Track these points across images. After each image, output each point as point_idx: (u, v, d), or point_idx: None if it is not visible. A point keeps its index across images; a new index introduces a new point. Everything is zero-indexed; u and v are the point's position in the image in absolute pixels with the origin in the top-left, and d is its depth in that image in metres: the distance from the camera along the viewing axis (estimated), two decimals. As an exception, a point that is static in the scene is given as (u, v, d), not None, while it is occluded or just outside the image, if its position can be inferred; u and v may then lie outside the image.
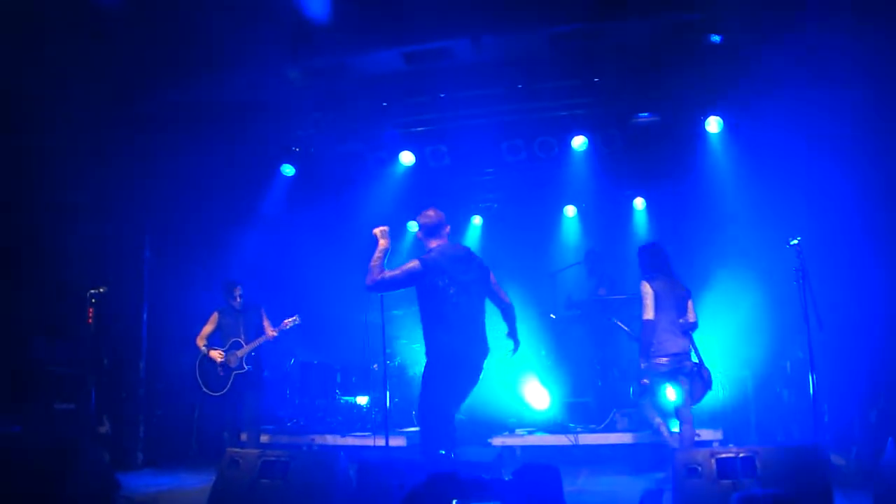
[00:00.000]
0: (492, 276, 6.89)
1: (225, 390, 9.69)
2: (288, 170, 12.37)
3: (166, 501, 8.05)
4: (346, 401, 11.82)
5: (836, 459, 8.07)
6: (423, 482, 2.66)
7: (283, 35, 8.87)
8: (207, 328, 9.92)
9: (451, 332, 6.49)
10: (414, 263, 6.58)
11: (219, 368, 9.74)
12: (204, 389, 9.80)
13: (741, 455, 5.96)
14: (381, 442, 9.40)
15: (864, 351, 9.14)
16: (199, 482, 8.70)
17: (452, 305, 6.48)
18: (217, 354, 9.74)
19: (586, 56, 9.91)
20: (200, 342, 9.83)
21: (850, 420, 8.90)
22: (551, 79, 10.59)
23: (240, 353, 9.79)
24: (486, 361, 6.65)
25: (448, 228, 6.94)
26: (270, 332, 9.95)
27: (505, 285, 7.24)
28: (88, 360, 8.76)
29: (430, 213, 6.94)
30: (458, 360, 6.51)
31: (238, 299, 10.02)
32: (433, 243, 6.84)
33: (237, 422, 9.85)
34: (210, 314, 10.08)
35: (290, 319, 9.97)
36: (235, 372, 9.73)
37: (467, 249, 6.92)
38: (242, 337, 9.85)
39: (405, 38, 9.24)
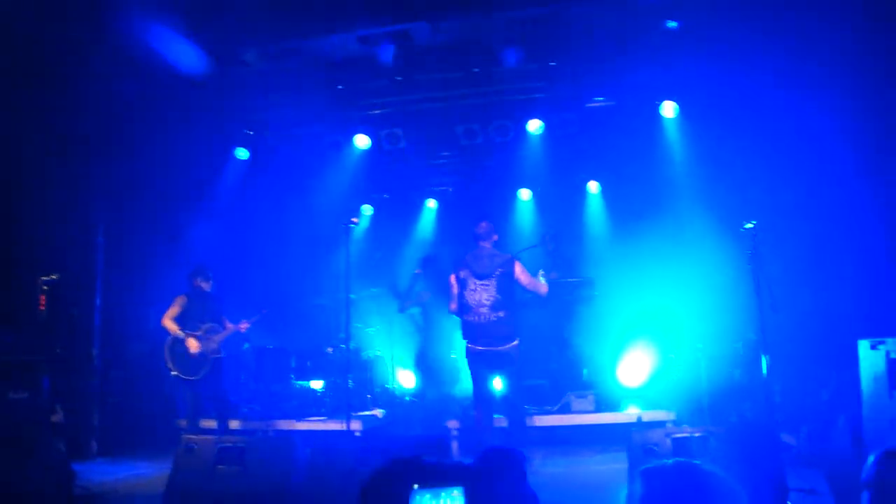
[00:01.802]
0: (517, 270, 8.24)
1: (201, 375, 9.36)
2: (242, 153, 12.26)
3: (124, 490, 7.98)
4: (301, 385, 11.75)
5: (787, 438, 8.22)
6: (384, 466, 2.65)
7: (238, 17, 8.76)
8: (173, 311, 9.45)
9: (467, 314, 8.22)
10: (452, 274, 8.43)
11: (187, 351, 9.36)
12: (174, 373, 9.38)
13: (696, 435, 6.08)
14: (339, 426, 9.38)
15: (815, 331, 9.30)
16: (156, 470, 8.64)
17: (469, 291, 8.20)
18: (195, 345, 9.33)
19: (543, 40, 9.92)
20: (172, 325, 9.33)
21: (801, 400, 9.06)
22: (508, 63, 10.59)
23: (217, 337, 9.54)
24: (509, 351, 8.16)
25: (496, 237, 8.48)
26: (243, 325, 9.80)
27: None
28: (41, 348, 8.61)
29: (483, 224, 8.48)
30: (470, 342, 8.27)
31: (209, 282, 9.71)
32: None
33: (206, 406, 9.68)
34: (174, 297, 9.61)
35: (266, 310, 9.97)
36: (213, 357, 9.47)
37: (492, 249, 8.36)
38: (212, 322, 9.59)
39: (361, 21, 9.18)
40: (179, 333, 9.33)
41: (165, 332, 9.33)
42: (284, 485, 6.34)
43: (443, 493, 2.47)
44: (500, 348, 8.12)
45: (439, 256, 11.24)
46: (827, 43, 8.81)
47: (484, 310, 8.12)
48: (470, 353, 8.31)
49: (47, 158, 9.69)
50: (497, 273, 8.15)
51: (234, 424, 10.47)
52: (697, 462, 2.54)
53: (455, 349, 10.90)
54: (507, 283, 8.17)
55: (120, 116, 10.26)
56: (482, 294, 8.14)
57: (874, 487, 2.89)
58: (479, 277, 8.17)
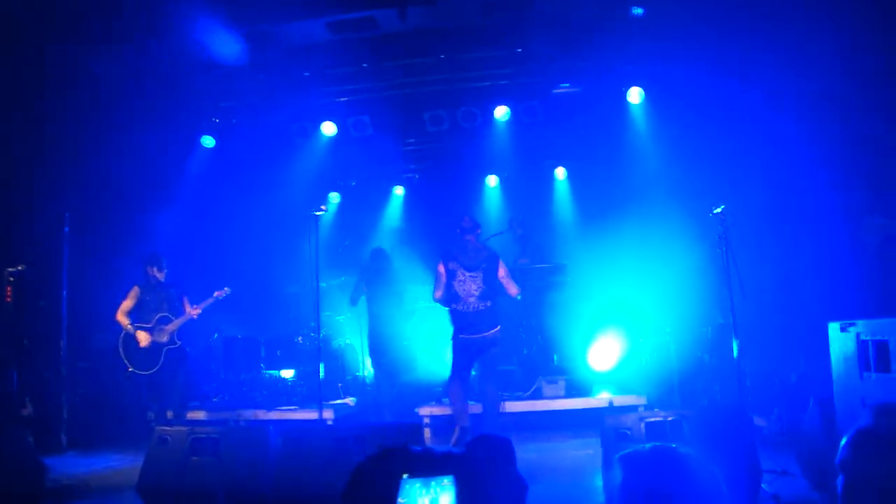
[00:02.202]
0: (500, 267, 8.82)
1: (156, 368, 9.27)
2: (208, 141, 12.16)
3: (97, 483, 7.87)
4: (271, 375, 11.70)
5: (758, 421, 8.31)
6: (374, 455, 2.65)
7: (203, 3, 8.67)
8: (127, 303, 9.40)
9: (456, 303, 8.72)
10: (440, 263, 8.84)
11: (139, 345, 9.27)
12: (131, 369, 9.30)
13: (669, 419, 6.12)
14: (311, 415, 9.36)
15: (784, 315, 9.40)
16: (127, 462, 8.57)
17: (454, 283, 8.70)
18: (144, 338, 9.26)
19: (510, 27, 9.94)
20: (124, 319, 9.28)
21: (771, 382, 9.16)
22: (475, 49, 10.60)
23: (169, 328, 9.38)
24: (494, 336, 8.72)
25: (479, 231, 8.98)
26: (194, 310, 9.56)
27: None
28: (8, 341, 8.51)
29: (467, 219, 8.96)
30: (457, 331, 8.80)
31: (164, 272, 9.54)
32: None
33: (166, 399, 9.47)
34: (129, 289, 9.60)
35: (219, 292, 9.67)
36: (167, 348, 9.32)
37: (477, 243, 8.87)
38: (168, 311, 9.42)
39: (329, 7, 9.13)
40: (129, 328, 9.22)
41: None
42: (258, 475, 6.32)
43: (433, 482, 2.47)
44: (486, 334, 8.70)
45: (384, 250, 11.36)
46: (792, 29, 8.89)
47: (472, 299, 8.69)
48: (457, 342, 8.83)
49: (12, 149, 9.54)
50: (483, 266, 8.74)
51: (199, 415, 10.42)
52: (673, 445, 2.57)
53: (406, 337, 11.14)
54: (492, 276, 8.75)
55: (86, 106, 10.14)
56: (471, 285, 8.70)
57: (848, 468, 2.91)
58: (468, 269, 8.72)
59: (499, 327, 8.81)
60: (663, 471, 2.51)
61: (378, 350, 10.85)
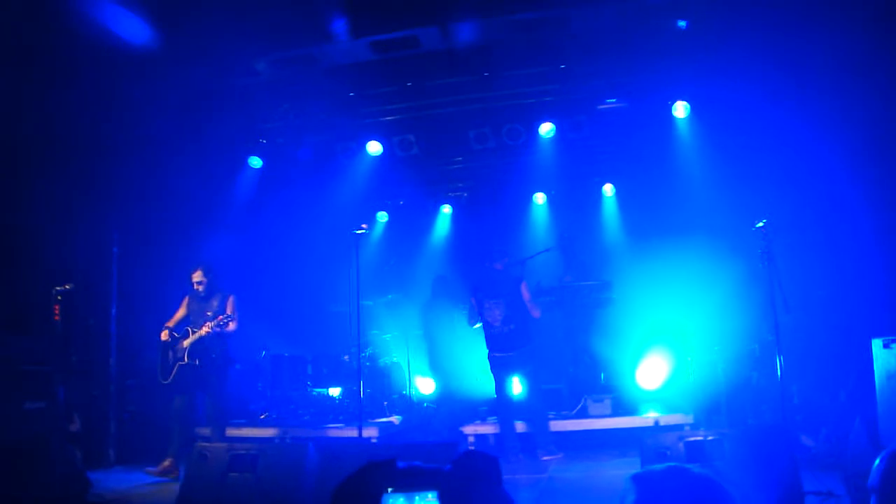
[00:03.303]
0: (523, 291, 9.68)
1: (168, 380, 9.10)
2: (256, 162, 12.30)
3: (138, 499, 7.97)
4: (319, 392, 11.76)
5: (806, 440, 8.14)
6: (359, 469, 2.65)
7: (249, 26, 8.77)
8: (179, 312, 9.39)
9: (486, 327, 9.77)
10: (472, 297, 9.97)
11: (169, 354, 9.15)
12: (159, 376, 9.23)
13: (709, 438, 6.02)
14: (355, 433, 9.38)
15: (832, 331, 9.21)
16: (173, 478, 8.63)
17: (483, 311, 9.74)
18: (163, 335, 9.16)
19: (553, 43, 9.91)
20: (169, 323, 9.28)
21: (819, 401, 8.97)
22: (518, 66, 10.59)
23: (185, 342, 9.12)
24: (521, 354, 9.62)
25: (505, 259, 9.98)
26: (204, 328, 9.09)
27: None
28: (56, 358, 8.60)
29: (494, 250, 10.02)
30: (489, 350, 9.81)
31: (197, 285, 9.33)
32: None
33: (195, 416, 9.39)
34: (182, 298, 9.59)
35: (221, 316, 9.15)
36: (179, 363, 9.08)
37: (502, 271, 9.86)
38: (195, 326, 9.21)
39: (372, 27, 9.19)
40: (164, 329, 9.25)
41: None
42: (296, 492, 6.33)
43: (417, 497, 2.45)
44: (512, 353, 9.61)
45: (446, 277, 12.10)
46: (838, 41, 8.76)
47: (497, 323, 9.63)
48: (490, 360, 9.82)
49: (62, 168, 9.73)
50: (506, 292, 9.65)
51: (246, 432, 10.46)
52: (689, 466, 2.51)
53: (456, 358, 11.44)
54: (515, 299, 9.65)
55: (135, 126, 10.29)
56: (495, 311, 9.63)
57: (880, 491, 2.83)
58: (492, 297, 9.67)
59: (526, 347, 9.63)
60: (676, 492, 2.45)
61: (432, 371, 11.61)
